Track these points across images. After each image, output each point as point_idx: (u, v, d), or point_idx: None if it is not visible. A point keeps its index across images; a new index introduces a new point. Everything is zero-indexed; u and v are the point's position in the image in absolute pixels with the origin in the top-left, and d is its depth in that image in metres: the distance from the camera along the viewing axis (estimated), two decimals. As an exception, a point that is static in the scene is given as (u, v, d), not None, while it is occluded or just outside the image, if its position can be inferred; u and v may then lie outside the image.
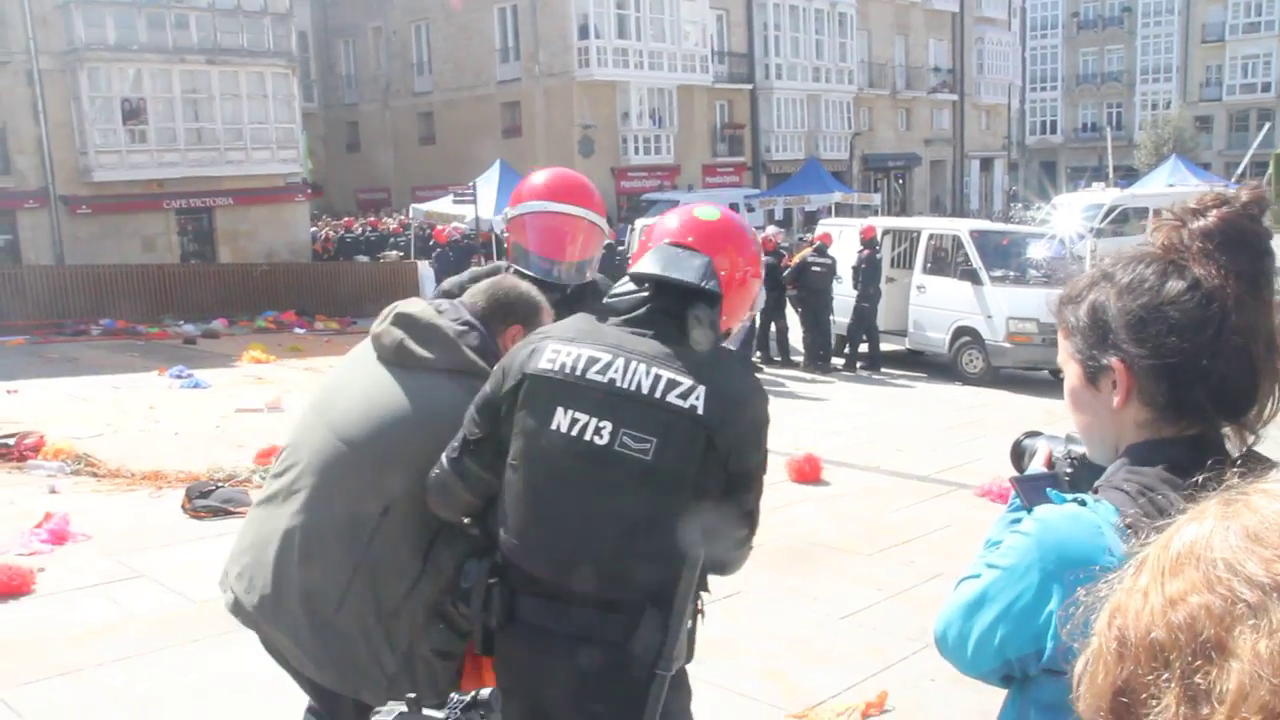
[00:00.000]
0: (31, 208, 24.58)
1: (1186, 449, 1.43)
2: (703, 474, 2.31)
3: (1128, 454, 1.49)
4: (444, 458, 2.47)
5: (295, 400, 12.64)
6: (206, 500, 7.87)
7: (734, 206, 33.50)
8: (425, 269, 22.95)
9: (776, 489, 9.09)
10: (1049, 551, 1.42)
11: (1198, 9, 69.82)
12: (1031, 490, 1.49)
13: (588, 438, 2.29)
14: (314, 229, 30.29)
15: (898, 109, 48.89)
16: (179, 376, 14.72)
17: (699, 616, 2.53)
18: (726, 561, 2.49)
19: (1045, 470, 1.66)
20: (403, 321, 2.67)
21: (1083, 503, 1.43)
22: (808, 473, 9.38)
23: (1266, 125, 44.92)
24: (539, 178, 3.45)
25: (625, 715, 2.16)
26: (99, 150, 24.80)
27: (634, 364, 2.30)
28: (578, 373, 2.31)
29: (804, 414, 12.57)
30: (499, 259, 22.82)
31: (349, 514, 2.56)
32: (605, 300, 2.54)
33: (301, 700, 4.83)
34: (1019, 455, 1.82)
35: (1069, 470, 1.57)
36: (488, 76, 37.28)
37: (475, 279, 3.34)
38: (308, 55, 39.85)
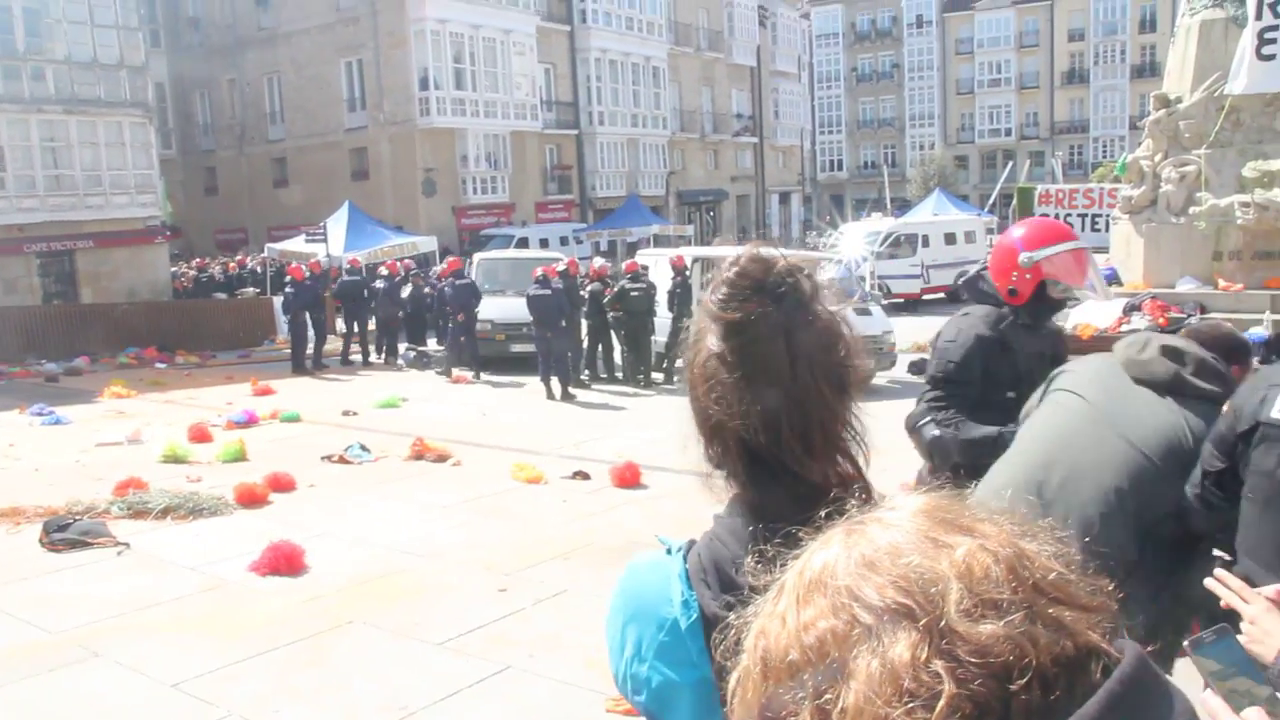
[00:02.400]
0: (-111, 254, 22.82)
1: (744, 507, 1.30)
2: None
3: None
4: (1188, 489, 2.49)
5: (155, 433, 12.09)
6: (64, 533, 7.45)
7: (564, 240, 33.77)
8: (278, 303, 22.25)
9: (600, 494, 9.17)
10: (628, 598, 1.33)
11: (951, 67, 73.68)
12: None
13: None
14: (174, 269, 29.00)
15: (706, 150, 49.78)
16: (40, 414, 13.83)
17: None
18: None
19: None
20: (1172, 354, 2.70)
21: (670, 551, 1.33)
22: (628, 478, 9.39)
23: (1010, 164, 47.55)
24: (1035, 229, 3.54)
25: None
26: (-43, 198, 23.23)
27: None
28: None
29: (625, 425, 12.68)
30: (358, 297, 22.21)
31: (1138, 514, 2.57)
32: None
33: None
34: None
35: None
36: (336, 124, 36.40)
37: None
38: (165, 105, 38.19)
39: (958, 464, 3.33)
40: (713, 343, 1.29)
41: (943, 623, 0.76)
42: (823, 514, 0.97)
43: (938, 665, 0.74)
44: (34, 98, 24.15)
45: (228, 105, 40.29)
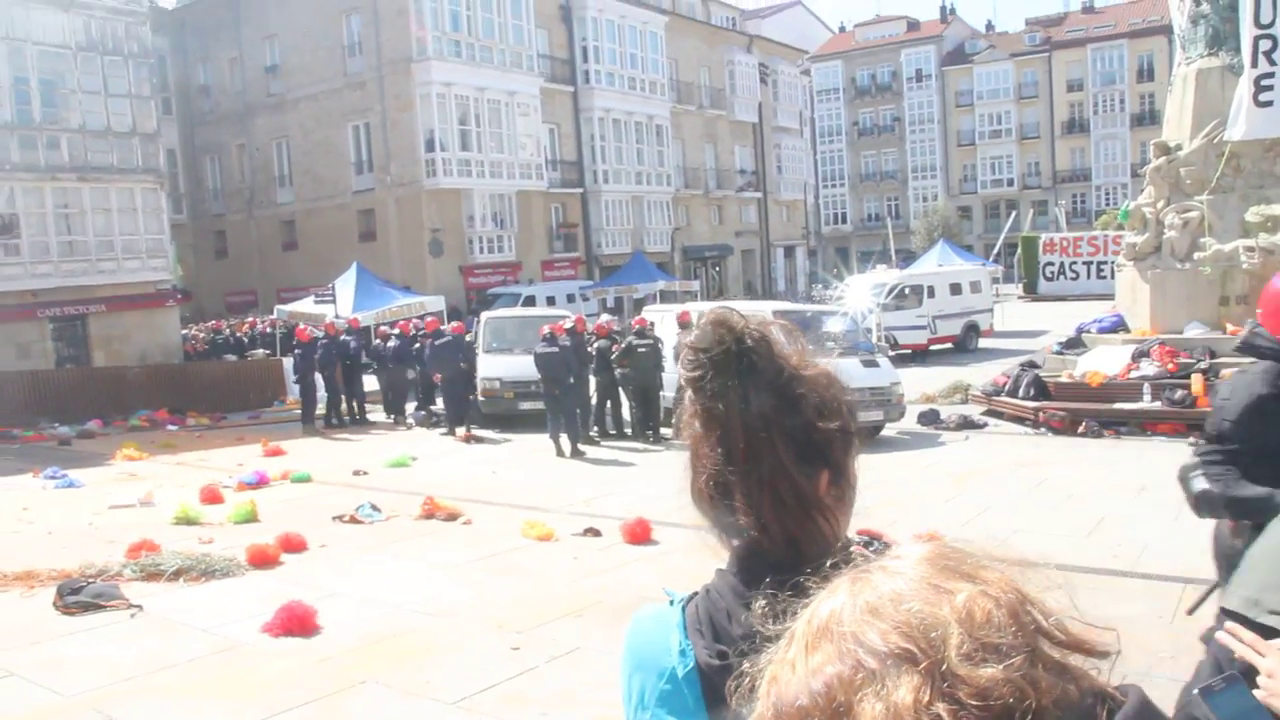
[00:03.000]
0: (-96, 321, 23.05)
1: (739, 556, 1.35)
2: None
3: None
4: None
5: (167, 495, 12.12)
6: (78, 596, 7.45)
7: (570, 297, 33.94)
8: (288, 365, 22.41)
9: (611, 551, 9.14)
10: (632, 647, 1.39)
11: (952, 119, 74.50)
12: None
13: None
14: (184, 331, 29.22)
15: (710, 206, 50.17)
16: (53, 477, 13.88)
17: None
18: None
19: None
20: None
21: (673, 602, 1.38)
22: (639, 534, 9.34)
23: (1013, 214, 47.90)
24: None
25: None
26: (-29, 265, 23.52)
27: None
28: None
29: (635, 481, 12.65)
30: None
31: None
32: None
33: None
34: None
35: None
36: (344, 187, 36.85)
37: None
38: (176, 170, 38.74)
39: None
40: (688, 400, 1.36)
41: (944, 666, 0.79)
42: (828, 564, 1.01)
43: (939, 708, 0.77)
44: (49, 166, 24.55)
45: (237, 170, 40.89)
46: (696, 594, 1.38)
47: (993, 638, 0.81)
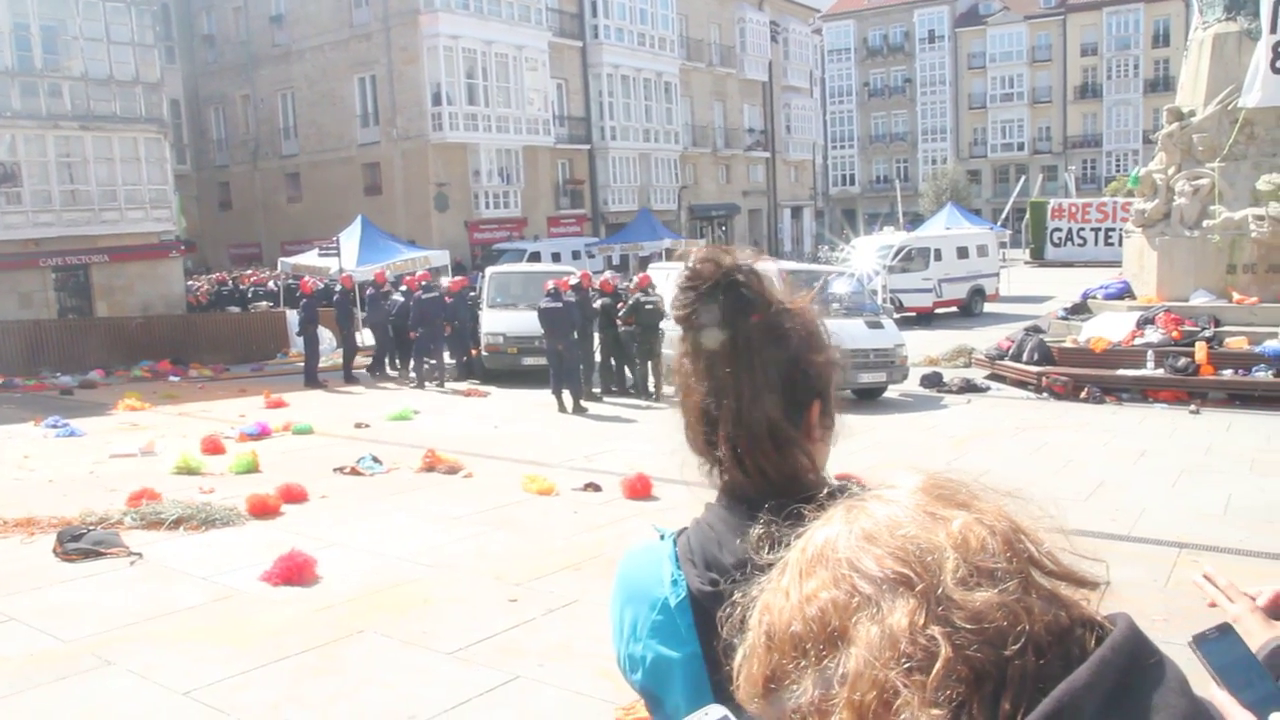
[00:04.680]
0: (-95, 269, 22.99)
1: (727, 488, 1.35)
2: None
3: None
4: None
5: (168, 445, 12.16)
6: (78, 543, 7.49)
7: (576, 254, 33.83)
8: (292, 317, 22.39)
9: (611, 506, 9.17)
10: (623, 581, 1.40)
11: (964, 82, 73.83)
12: None
13: None
14: (189, 282, 29.19)
15: (718, 165, 49.90)
16: (54, 426, 13.90)
17: None
18: None
19: None
20: None
21: (664, 536, 1.40)
22: (640, 490, 9.37)
23: (1023, 178, 47.61)
24: None
25: None
26: (-27, 213, 23.41)
27: None
28: None
29: (636, 438, 12.66)
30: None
31: None
32: None
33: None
34: None
35: None
36: (349, 140, 36.66)
37: None
38: (180, 121, 38.48)
39: None
40: (680, 339, 1.38)
41: (939, 590, 0.80)
42: (824, 493, 1.01)
43: (934, 630, 0.78)
44: (50, 114, 24.36)
45: (242, 121, 40.64)
46: (686, 528, 1.39)
47: (987, 563, 0.82)
